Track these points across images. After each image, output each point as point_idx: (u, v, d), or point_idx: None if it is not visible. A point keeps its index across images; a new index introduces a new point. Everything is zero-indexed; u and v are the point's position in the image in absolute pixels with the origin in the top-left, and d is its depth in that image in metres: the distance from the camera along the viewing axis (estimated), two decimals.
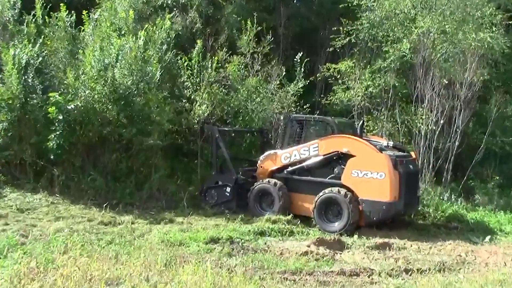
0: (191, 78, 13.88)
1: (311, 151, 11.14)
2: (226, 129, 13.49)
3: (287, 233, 10.11)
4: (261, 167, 12.13)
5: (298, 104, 15.02)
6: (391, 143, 11.67)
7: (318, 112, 15.54)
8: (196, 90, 13.78)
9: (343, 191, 10.61)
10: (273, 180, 11.60)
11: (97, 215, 10.55)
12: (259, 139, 14.18)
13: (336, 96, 15.45)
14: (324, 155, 11.07)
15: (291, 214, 10.99)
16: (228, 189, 12.14)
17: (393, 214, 10.73)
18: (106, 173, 12.29)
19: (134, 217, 10.67)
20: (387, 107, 14.37)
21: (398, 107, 14.36)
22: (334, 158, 10.97)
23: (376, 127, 14.57)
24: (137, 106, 12.42)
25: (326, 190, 10.79)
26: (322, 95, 16.52)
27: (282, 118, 12.74)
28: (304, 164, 11.35)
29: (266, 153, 12.07)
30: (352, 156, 10.72)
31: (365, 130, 14.10)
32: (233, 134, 13.97)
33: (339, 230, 10.41)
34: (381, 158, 10.43)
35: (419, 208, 12.18)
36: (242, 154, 14.27)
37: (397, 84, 14.80)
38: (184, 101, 13.80)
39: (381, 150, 10.76)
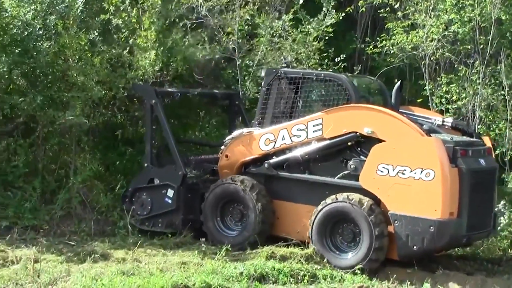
0: (125, 4, 12.18)
1: (310, 132, 10.38)
2: (169, 90, 12.26)
3: (306, 277, 9.26)
4: (227, 156, 11.08)
5: (326, 54, 13.47)
6: (449, 121, 10.63)
7: (360, 68, 14.39)
8: (134, 29, 12.25)
9: (362, 199, 9.74)
10: (245, 179, 10.75)
11: None
12: (228, 111, 12.91)
13: (392, 41, 14.05)
14: (331, 139, 10.17)
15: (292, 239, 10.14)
16: (171, 193, 11.18)
17: (446, 243, 9.53)
18: None
19: (39, 251, 9.65)
20: (484, 59, 12.96)
21: (506, 60, 13.04)
22: (349, 143, 10.11)
23: (463, 95, 13.24)
24: (44, 57, 11.20)
25: (333, 198, 9.90)
26: (367, 39, 15.27)
27: (263, 74, 11.69)
28: (298, 153, 10.53)
29: (235, 133, 11.16)
30: (379, 141, 9.75)
31: (435, 104, 12.79)
32: (179, 97, 12.54)
33: (354, 264, 9.52)
34: (428, 145, 9.41)
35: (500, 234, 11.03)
36: (198, 134, 13.40)
37: (504, 18, 13.23)
38: (118, 49, 12.16)
39: (429, 132, 9.74)
